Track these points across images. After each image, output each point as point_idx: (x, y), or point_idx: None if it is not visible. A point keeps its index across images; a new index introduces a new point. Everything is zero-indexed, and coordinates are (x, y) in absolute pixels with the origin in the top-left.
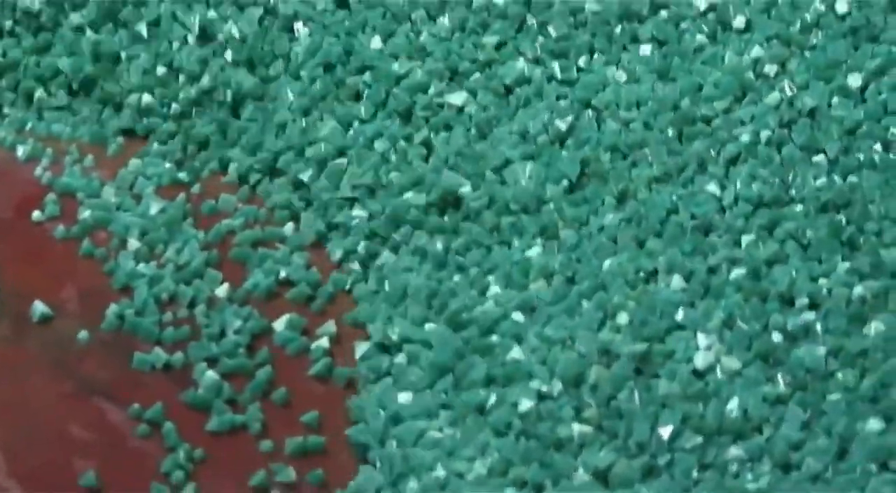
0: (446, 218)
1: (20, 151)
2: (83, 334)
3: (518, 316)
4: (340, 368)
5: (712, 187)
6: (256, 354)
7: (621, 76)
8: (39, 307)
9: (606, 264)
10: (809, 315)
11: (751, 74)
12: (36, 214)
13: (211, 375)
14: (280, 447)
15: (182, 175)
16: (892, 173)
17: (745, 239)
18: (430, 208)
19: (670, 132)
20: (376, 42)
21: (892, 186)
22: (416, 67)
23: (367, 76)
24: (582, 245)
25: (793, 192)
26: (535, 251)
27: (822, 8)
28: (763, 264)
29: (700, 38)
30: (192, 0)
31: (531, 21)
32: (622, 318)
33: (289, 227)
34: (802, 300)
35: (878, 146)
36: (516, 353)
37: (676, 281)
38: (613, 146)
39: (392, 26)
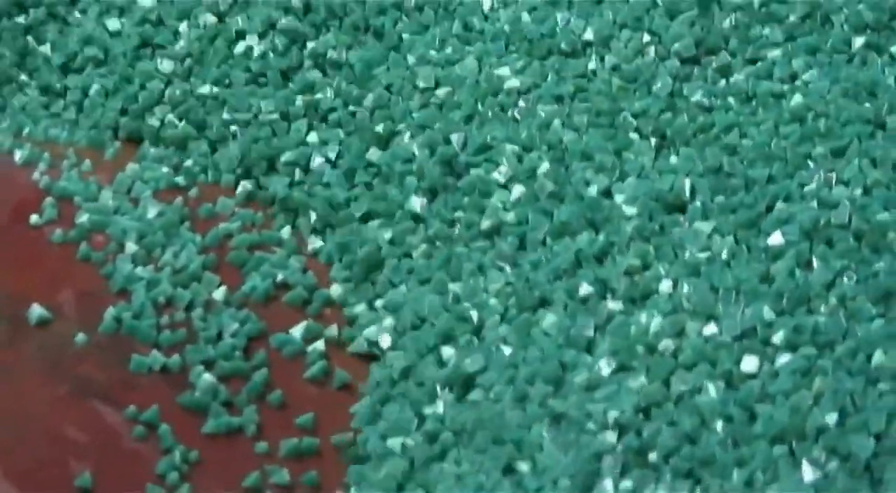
0: None
1: (17, 155)
2: (80, 337)
3: None
4: (336, 370)
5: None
6: (253, 357)
7: (517, 345)
8: (37, 310)
9: None
10: None
11: (640, 348)
12: (34, 218)
13: (207, 377)
14: (275, 448)
15: (179, 179)
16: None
17: None
18: None
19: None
20: None
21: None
22: None
23: None
24: None
25: None
26: None
27: (746, 274)
28: None
29: (615, 305)
30: None
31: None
32: None
33: (286, 230)
34: None
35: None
36: None
37: None
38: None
39: None
